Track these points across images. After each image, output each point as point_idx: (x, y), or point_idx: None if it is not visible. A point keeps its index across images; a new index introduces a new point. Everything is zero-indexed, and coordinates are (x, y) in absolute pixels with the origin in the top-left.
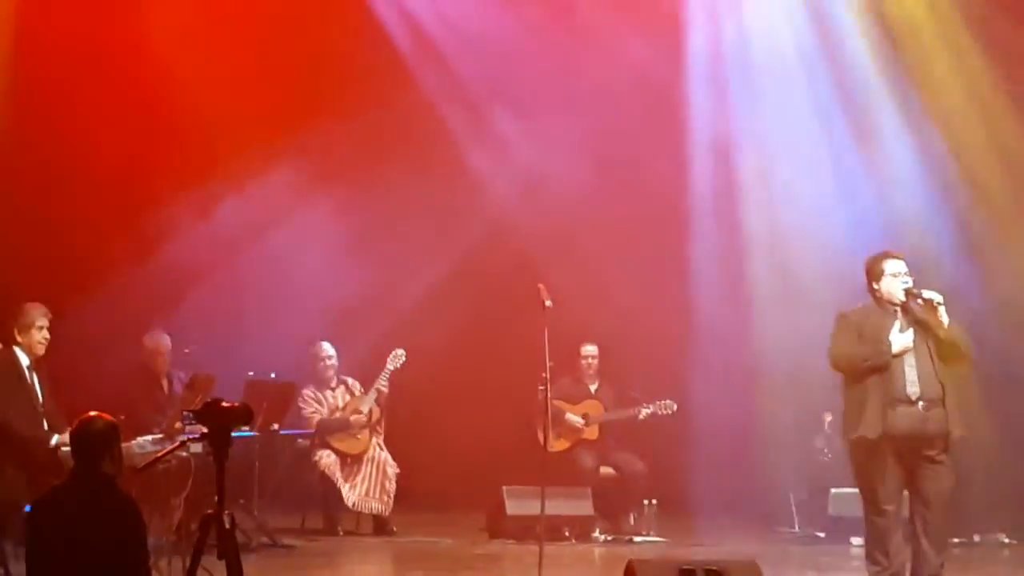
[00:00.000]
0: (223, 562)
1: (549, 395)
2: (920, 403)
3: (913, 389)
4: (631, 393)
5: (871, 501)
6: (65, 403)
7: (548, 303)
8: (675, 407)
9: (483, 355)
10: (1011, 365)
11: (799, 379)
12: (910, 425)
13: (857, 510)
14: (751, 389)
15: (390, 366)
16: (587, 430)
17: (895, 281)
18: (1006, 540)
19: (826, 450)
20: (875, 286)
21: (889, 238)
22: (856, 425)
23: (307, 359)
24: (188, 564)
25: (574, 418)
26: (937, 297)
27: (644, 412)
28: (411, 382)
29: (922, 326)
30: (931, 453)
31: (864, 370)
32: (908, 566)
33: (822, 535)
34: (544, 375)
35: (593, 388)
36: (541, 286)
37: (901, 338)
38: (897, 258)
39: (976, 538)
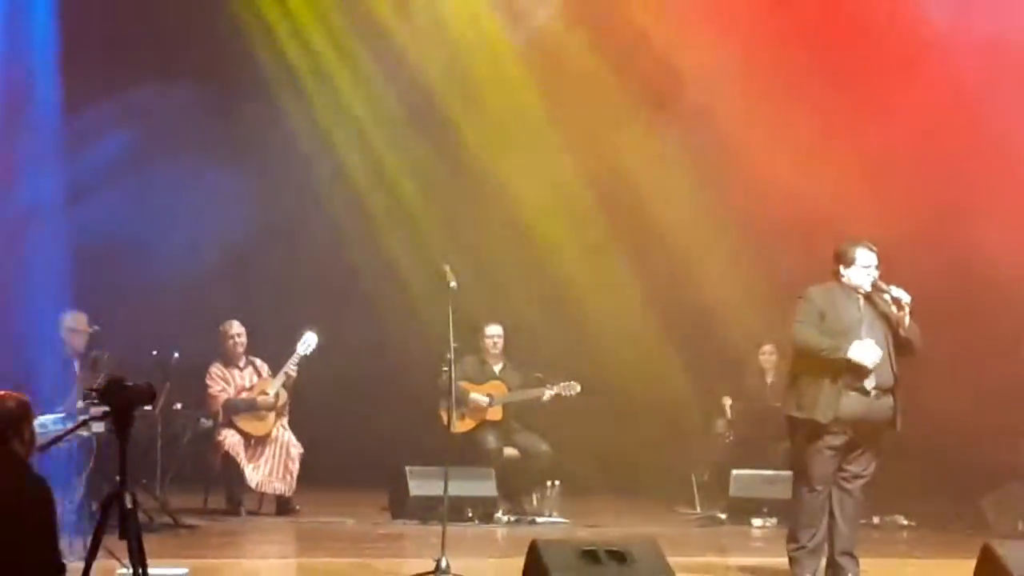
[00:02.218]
0: (125, 542)
1: (453, 376)
2: (873, 392)
3: (868, 379)
4: (535, 374)
5: (804, 480)
6: None
7: (453, 284)
8: (579, 388)
9: (387, 335)
10: None
11: (701, 363)
12: (859, 411)
13: (757, 491)
14: (653, 372)
15: (300, 350)
16: (491, 411)
17: (864, 272)
18: (905, 522)
19: (727, 433)
20: (842, 271)
21: None
22: (808, 407)
23: (217, 336)
24: (89, 543)
25: (479, 398)
26: (906, 297)
27: (548, 393)
28: (315, 362)
29: (885, 320)
30: (871, 439)
31: (819, 358)
32: (824, 546)
33: (723, 516)
34: (448, 356)
35: (497, 369)
36: (446, 267)
37: (863, 348)
38: (870, 249)
39: (876, 520)
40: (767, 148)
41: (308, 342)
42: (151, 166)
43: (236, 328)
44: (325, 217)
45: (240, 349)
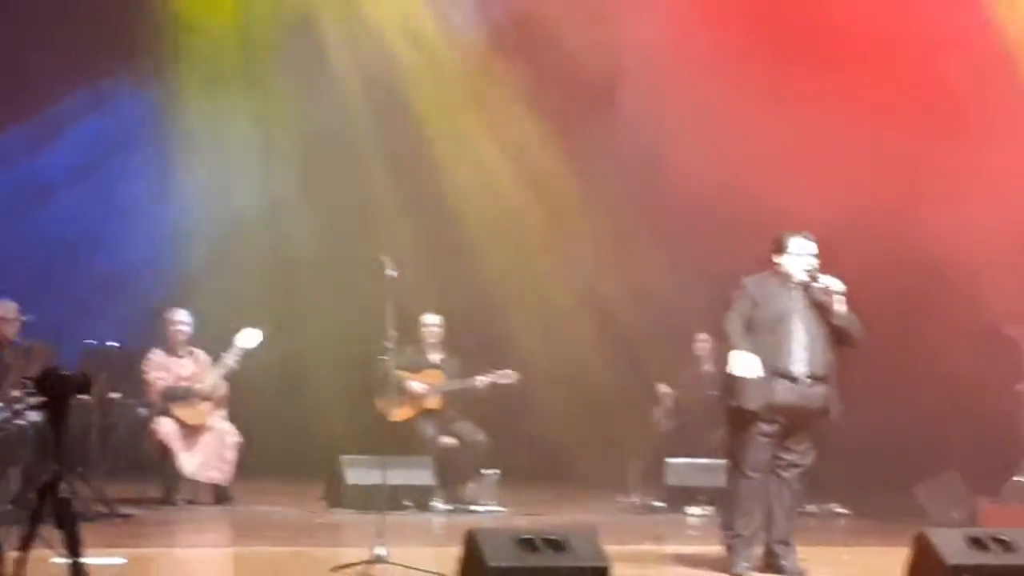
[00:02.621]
0: (61, 531)
1: (391, 365)
2: (804, 379)
3: (800, 367)
4: (472, 363)
5: (738, 468)
6: None
7: (391, 273)
8: (516, 377)
9: (325, 324)
10: None
11: (637, 352)
12: (791, 400)
13: (693, 480)
14: (590, 360)
15: (242, 344)
16: (428, 400)
17: (797, 260)
18: (841, 511)
19: (664, 422)
20: (776, 260)
21: None
22: (739, 394)
23: (161, 324)
24: (25, 533)
25: (416, 387)
26: (837, 287)
27: (484, 382)
28: (253, 351)
29: (819, 308)
30: (805, 428)
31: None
32: (760, 534)
33: (660, 505)
34: (386, 345)
35: (435, 358)
36: (384, 257)
37: (740, 359)
38: (806, 238)
39: (812, 508)
40: (709, 138)
41: (251, 337)
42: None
43: (180, 316)
44: (264, 209)
45: (182, 338)
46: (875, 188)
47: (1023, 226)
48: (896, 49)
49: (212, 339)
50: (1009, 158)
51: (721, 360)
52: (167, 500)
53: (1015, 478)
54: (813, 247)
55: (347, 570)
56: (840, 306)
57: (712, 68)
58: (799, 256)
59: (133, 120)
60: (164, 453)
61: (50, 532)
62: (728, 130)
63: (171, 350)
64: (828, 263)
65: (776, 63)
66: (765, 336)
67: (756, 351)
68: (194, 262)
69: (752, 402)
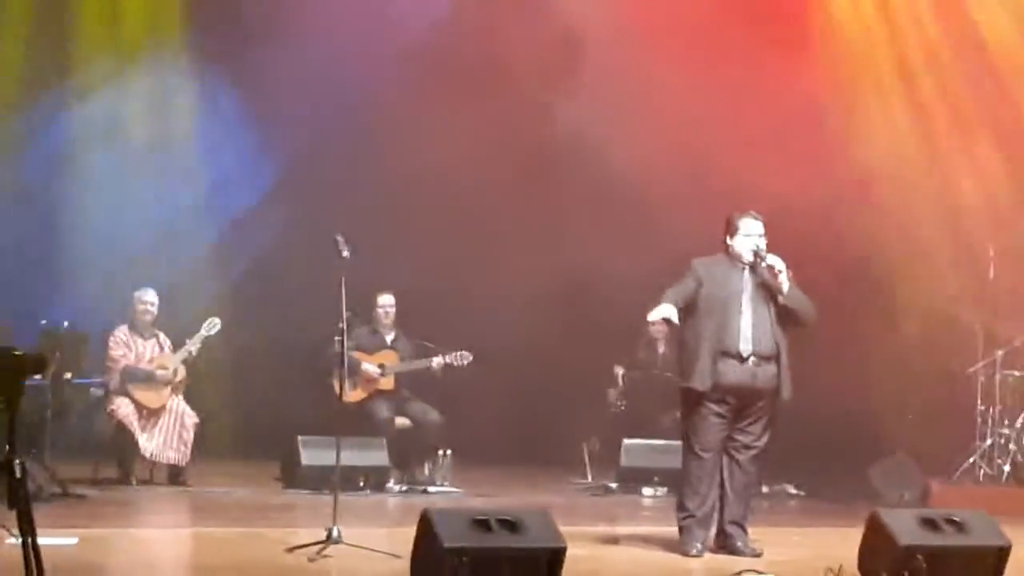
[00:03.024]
0: (14, 512)
1: (346, 345)
2: (751, 359)
3: (745, 346)
4: (427, 344)
5: (691, 448)
6: None
7: (345, 253)
8: (470, 358)
9: (280, 305)
10: None
11: (593, 333)
12: (739, 380)
13: (647, 461)
14: (546, 343)
15: (204, 332)
16: (383, 380)
17: (746, 241)
18: (793, 491)
19: (619, 402)
20: (728, 241)
21: None
22: (688, 375)
23: (130, 301)
24: None
25: (370, 368)
26: (779, 264)
27: (439, 363)
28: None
29: (767, 289)
30: (756, 408)
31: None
32: (714, 515)
33: (614, 486)
34: (340, 325)
35: (389, 339)
36: (339, 236)
37: (662, 310)
38: (755, 219)
39: (765, 489)
40: (665, 117)
41: (212, 324)
42: None
43: (150, 296)
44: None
45: (149, 318)
46: (825, 168)
47: (975, 210)
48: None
49: (170, 323)
50: (971, 143)
51: (675, 342)
52: (122, 480)
53: (968, 459)
54: (760, 227)
55: (302, 550)
56: (786, 285)
57: (673, 48)
58: (747, 237)
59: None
60: (121, 433)
61: (3, 513)
62: (691, 111)
63: (137, 330)
64: (780, 243)
65: (737, 43)
66: (713, 317)
67: (704, 331)
68: (150, 247)
69: (699, 382)
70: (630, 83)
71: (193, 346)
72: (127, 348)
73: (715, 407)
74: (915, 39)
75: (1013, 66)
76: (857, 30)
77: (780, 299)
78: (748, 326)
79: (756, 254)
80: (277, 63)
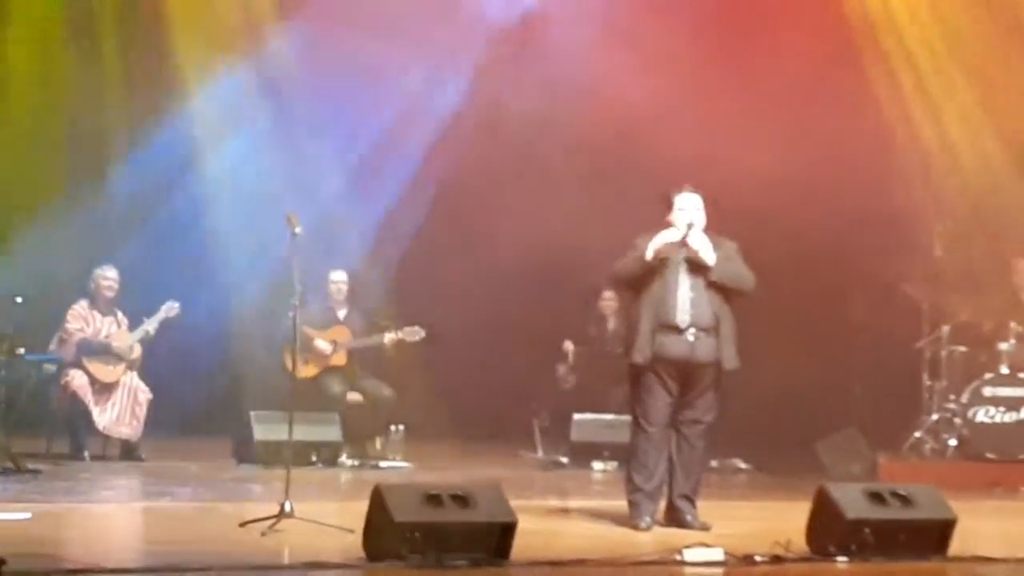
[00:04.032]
0: None
1: (297, 322)
2: (690, 330)
3: (683, 317)
4: (379, 320)
5: (637, 422)
6: None
7: (298, 230)
8: (423, 334)
9: (232, 281)
10: None
11: (543, 308)
12: (679, 352)
13: (597, 436)
14: (495, 318)
15: (163, 314)
16: (335, 356)
17: (681, 215)
18: (742, 466)
19: (569, 377)
20: (669, 217)
21: None
22: (630, 348)
23: (90, 278)
24: None
25: (323, 344)
26: (696, 243)
27: (391, 338)
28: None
29: (693, 262)
30: (699, 381)
31: (631, 270)
32: (663, 489)
33: (565, 460)
34: (293, 302)
35: (342, 315)
36: (291, 214)
37: (664, 235)
38: (691, 192)
39: (714, 463)
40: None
41: (171, 307)
42: None
43: (111, 273)
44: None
45: (109, 294)
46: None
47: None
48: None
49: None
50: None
51: (624, 317)
52: (74, 456)
53: (914, 434)
54: (696, 201)
55: (255, 525)
56: (711, 259)
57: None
58: (681, 211)
59: None
60: (74, 407)
61: None
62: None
63: (96, 305)
64: (730, 218)
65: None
66: (652, 290)
67: (644, 305)
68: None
69: (639, 355)
70: (585, 58)
71: (151, 326)
72: (84, 323)
73: (659, 381)
74: (883, 22)
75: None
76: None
77: (711, 275)
78: (686, 299)
79: (687, 228)
80: None
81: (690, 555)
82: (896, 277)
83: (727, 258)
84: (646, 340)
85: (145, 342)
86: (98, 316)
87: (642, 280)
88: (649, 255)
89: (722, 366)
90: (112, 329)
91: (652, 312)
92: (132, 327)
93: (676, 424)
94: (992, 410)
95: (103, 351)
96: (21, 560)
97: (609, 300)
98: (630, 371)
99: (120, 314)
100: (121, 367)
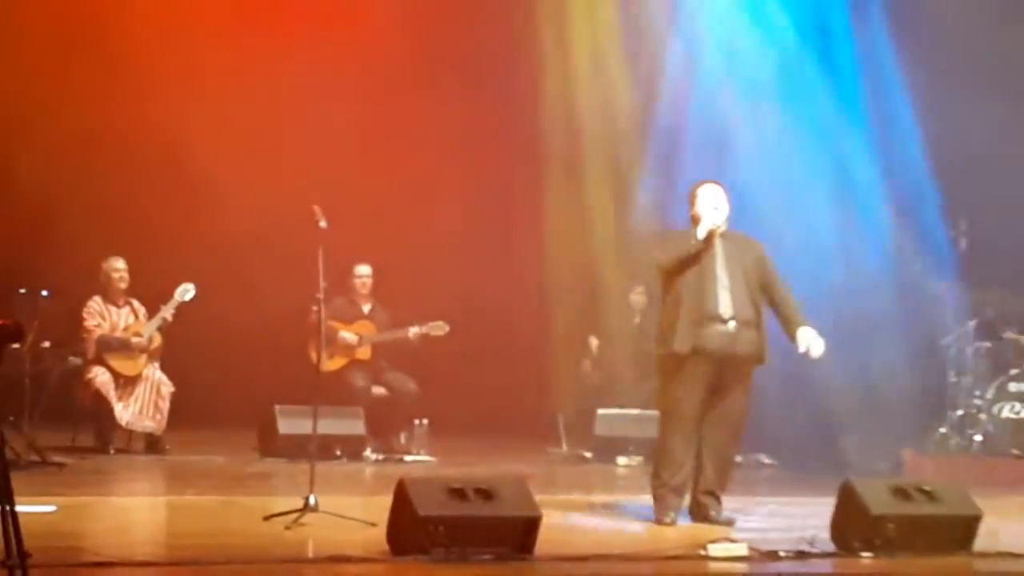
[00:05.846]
0: None
1: (323, 315)
2: (731, 322)
3: (725, 309)
4: (404, 314)
5: (670, 416)
6: None
7: (323, 224)
8: (447, 328)
9: (257, 274)
10: None
11: (569, 303)
12: (720, 344)
13: (622, 431)
14: (521, 312)
15: (179, 298)
16: (360, 350)
17: (711, 210)
18: (766, 461)
19: (594, 373)
20: (694, 212)
21: None
22: (668, 340)
23: (100, 272)
24: None
25: (348, 336)
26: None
27: (415, 332)
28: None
29: (737, 255)
30: (736, 375)
31: (684, 260)
32: (688, 484)
33: (589, 455)
34: (318, 295)
35: (366, 309)
36: (316, 207)
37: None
38: (713, 184)
39: (738, 459)
40: None
41: (187, 290)
42: None
43: (120, 264)
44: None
45: (122, 286)
46: None
47: None
48: None
49: (146, 292)
50: None
51: (652, 313)
52: (99, 449)
53: (940, 430)
54: (720, 192)
55: (279, 518)
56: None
57: None
58: (706, 201)
59: None
60: (98, 402)
61: None
62: None
63: (110, 299)
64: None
65: None
66: (690, 284)
67: (683, 298)
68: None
69: (679, 344)
70: None
71: (167, 312)
72: (101, 318)
73: (695, 373)
74: None
75: None
76: None
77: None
78: (726, 290)
79: (711, 231)
80: None
81: (715, 550)
82: (922, 272)
83: (756, 261)
84: (688, 331)
85: (163, 329)
86: (114, 310)
87: (677, 275)
88: (702, 235)
89: (762, 360)
90: (130, 320)
91: (693, 304)
92: (150, 316)
93: (707, 419)
94: (1017, 406)
95: (123, 346)
96: (46, 553)
97: (639, 295)
98: (663, 363)
99: (136, 303)
100: (143, 359)
